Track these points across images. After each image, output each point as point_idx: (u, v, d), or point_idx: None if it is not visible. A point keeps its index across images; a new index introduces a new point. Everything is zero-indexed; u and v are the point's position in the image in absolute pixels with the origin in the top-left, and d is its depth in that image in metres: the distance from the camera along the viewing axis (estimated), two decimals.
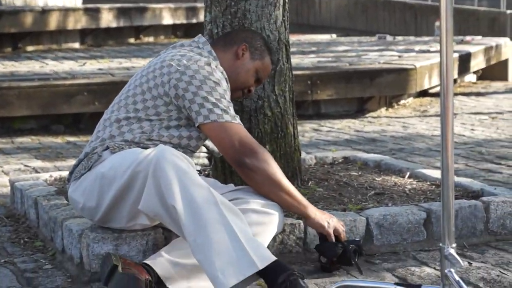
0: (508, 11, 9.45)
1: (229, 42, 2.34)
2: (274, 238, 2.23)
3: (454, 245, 1.71)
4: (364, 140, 4.67)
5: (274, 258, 1.95)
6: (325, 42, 8.25)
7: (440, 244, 1.71)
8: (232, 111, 2.14)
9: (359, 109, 5.88)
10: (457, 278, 1.71)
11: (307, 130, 4.97)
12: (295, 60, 5.42)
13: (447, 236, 1.71)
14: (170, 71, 2.15)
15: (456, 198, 2.42)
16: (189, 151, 2.22)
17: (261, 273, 1.94)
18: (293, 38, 7.36)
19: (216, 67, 2.20)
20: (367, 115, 5.62)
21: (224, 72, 2.23)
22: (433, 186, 2.78)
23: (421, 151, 4.26)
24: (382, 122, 5.36)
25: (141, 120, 2.18)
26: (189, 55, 2.20)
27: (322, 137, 4.76)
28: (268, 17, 2.69)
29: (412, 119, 5.46)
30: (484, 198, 2.55)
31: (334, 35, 9.41)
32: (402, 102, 6.13)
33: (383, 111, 5.79)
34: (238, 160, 2.14)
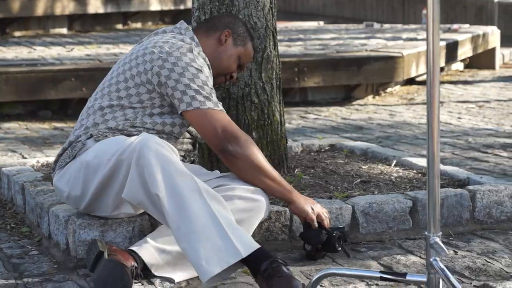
0: (496, 0, 9.48)
1: (211, 27, 2.34)
2: (259, 225, 2.25)
3: (439, 233, 1.72)
4: (350, 128, 4.68)
5: (257, 245, 1.97)
6: (312, 30, 8.22)
7: (426, 233, 1.72)
8: (214, 98, 2.15)
9: (346, 96, 5.88)
10: (442, 266, 1.73)
11: (294, 118, 4.98)
12: (282, 47, 5.42)
13: (432, 224, 1.72)
14: (153, 58, 2.15)
15: (442, 187, 2.45)
16: (173, 137, 2.23)
17: (245, 261, 1.96)
18: (280, 25, 7.36)
19: (198, 53, 2.20)
20: (354, 103, 5.63)
21: (206, 58, 2.23)
22: (419, 175, 2.79)
23: (408, 139, 4.28)
24: (369, 110, 5.38)
25: (124, 108, 2.18)
26: (171, 42, 2.20)
27: (309, 125, 4.77)
28: (256, 4, 2.69)
29: (399, 107, 5.48)
30: (470, 187, 2.56)
31: (321, 23, 9.38)
32: (389, 90, 6.14)
33: (370, 98, 5.80)
34: (220, 146, 2.15)
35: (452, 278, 1.69)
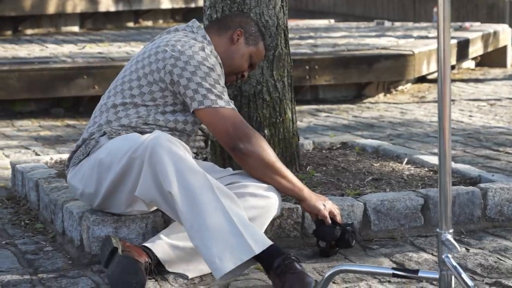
0: None
1: (223, 26, 2.36)
2: (272, 222, 2.26)
3: (451, 231, 1.73)
4: (362, 126, 4.70)
5: (270, 242, 1.99)
6: (323, 28, 8.23)
7: (437, 230, 1.73)
8: (226, 96, 2.17)
9: (357, 94, 5.89)
10: (454, 263, 1.74)
11: (305, 115, 5.00)
12: (293, 45, 5.43)
13: (444, 221, 1.73)
14: (165, 56, 2.17)
15: (453, 185, 2.45)
16: (185, 135, 2.25)
17: (258, 258, 1.98)
18: (291, 23, 7.37)
19: (210, 52, 2.22)
20: (365, 101, 5.64)
21: (218, 57, 2.25)
22: (431, 172, 2.80)
23: (419, 137, 4.29)
24: (380, 107, 5.39)
25: (137, 106, 2.21)
26: (183, 40, 2.22)
27: (320, 122, 4.78)
28: (267, 2, 2.70)
29: (410, 105, 5.49)
30: (482, 185, 2.57)
31: (332, 21, 9.39)
32: (400, 88, 6.14)
33: (381, 96, 5.81)
34: (231, 144, 2.17)
35: (464, 275, 1.70)
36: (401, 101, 5.72)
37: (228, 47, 2.34)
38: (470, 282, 1.69)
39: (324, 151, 3.22)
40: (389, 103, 5.63)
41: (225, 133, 2.17)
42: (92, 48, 5.97)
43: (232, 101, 2.22)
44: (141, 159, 2.03)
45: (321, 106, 5.36)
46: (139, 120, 2.19)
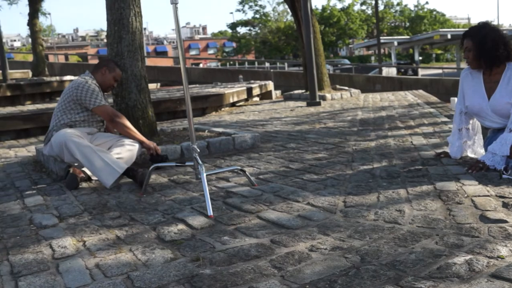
0: None
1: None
2: (138, 156, 4.92)
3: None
4: (210, 124, 9.96)
5: (126, 166, 4.44)
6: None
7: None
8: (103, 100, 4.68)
9: (202, 112, 11.27)
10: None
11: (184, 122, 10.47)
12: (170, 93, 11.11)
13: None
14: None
15: None
16: (87, 122, 4.82)
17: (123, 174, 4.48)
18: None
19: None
20: (207, 115, 11.31)
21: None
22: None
23: (224, 126, 9.68)
24: (213, 117, 10.96)
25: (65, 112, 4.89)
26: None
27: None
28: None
29: (226, 116, 10.98)
30: None
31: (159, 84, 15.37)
32: (222, 108, 11.55)
33: (213, 113, 11.49)
34: (110, 119, 4.67)
35: None
36: (222, 114, 10.93)
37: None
38: None
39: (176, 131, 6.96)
40: (218, 115, 10.73)
41: (108, 115, 4.63)
42: None
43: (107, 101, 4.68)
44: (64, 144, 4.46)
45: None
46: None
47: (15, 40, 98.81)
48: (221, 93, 11.71)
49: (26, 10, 18.01)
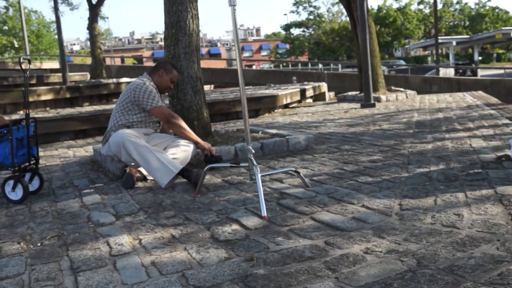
0: None
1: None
2: (193, 156, 5.05)
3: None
4: (263, 126, 10.51)
5: (181, 166, 4.42)
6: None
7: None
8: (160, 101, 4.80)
9: (255, 114, 12.02)
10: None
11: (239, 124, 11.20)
12: (226, 93, 11.40)
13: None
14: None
15: None
16: (144, 122, 4.87)
17: (178, 174, 4.46)
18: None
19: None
20: (260, 116, 11.59)
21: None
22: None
23: (278, 128, 10.40)
24: (266, 118, 11.56)
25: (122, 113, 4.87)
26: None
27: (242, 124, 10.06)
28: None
29: (279, 117, 11.36)
30: None
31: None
32: (275, 110, 11.90)
33: (266, 114, 11.67)
34: (166, 119, 4.70)
35: None
36: (275, 116, 11.07)
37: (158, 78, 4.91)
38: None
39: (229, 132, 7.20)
40: (271, 117, 10.89)
41: (164, 116, 4.69)
42: None
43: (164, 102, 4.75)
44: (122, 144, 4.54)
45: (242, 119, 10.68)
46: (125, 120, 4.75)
47: (74, 44, 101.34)
48: (274, 95, 11.79)
49: (86, 14, 18.43)
